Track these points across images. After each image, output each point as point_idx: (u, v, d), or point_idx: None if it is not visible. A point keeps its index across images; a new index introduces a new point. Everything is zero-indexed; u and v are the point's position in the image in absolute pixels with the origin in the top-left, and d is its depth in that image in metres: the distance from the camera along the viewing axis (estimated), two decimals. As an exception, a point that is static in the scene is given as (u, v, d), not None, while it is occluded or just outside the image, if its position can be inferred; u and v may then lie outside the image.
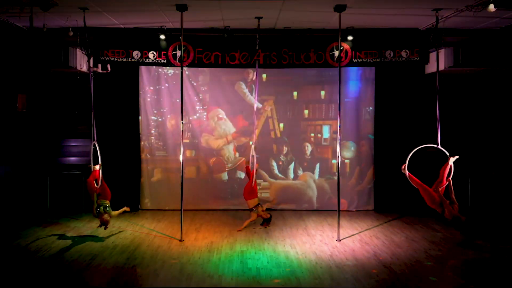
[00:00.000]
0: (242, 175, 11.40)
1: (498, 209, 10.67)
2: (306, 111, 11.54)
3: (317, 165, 11.47)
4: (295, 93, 11.54)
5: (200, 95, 11.42)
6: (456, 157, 8.54)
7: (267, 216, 9.32)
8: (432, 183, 8.59)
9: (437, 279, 6.78)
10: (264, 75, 11.35)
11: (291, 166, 11.48)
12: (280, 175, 11.49)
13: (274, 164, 11.42)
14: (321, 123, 11.50)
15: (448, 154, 8.57)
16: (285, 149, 11.50)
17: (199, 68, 11.06)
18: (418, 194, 9.12)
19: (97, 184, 8.85)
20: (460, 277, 6.91)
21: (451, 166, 8.50)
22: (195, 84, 11.42)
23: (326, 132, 11.52)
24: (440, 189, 8.45)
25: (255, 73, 10.15)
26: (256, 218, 9.35)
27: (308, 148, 11.47)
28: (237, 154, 11.49)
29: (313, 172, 11.46)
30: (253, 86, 11.32)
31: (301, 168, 11.49)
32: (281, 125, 11.52)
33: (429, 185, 8.53)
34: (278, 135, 11.54)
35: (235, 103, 11.46)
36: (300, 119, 11.55)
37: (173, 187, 11.07)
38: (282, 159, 11.41)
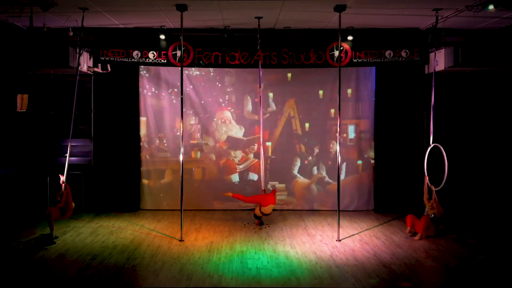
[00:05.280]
0: (254, 176, 11.22)
1: (498, 209, 10.66)
2: (332, 110, 11.30)
3: (344, 165, 11.21)
4: (320, 92, 11.34)
5: (202, 97, 11.35)
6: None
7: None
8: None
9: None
10: (289, 74, 11.25)
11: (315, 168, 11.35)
12: (299, 175, 11.38)
13: (298, 163, 11.29)
14: (347, 123, 11.28)
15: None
16: (305, 148, 11.35)
17: (201, 69, 11.05)
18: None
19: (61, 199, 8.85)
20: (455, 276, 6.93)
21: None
22: (199, 84, 11.33)
23: (351, 132, 11.37)
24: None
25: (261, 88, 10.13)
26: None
27: (334, 147, 11.24)
28: (251, 155, 11.33)
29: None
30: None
31: (325, 168, 11.36)
32: (307, 124, 11.35)
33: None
34: (301, 134, 11.36)
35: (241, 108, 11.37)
36: (326, 119, 11.33)
37: (174, 187, 11.06)
38: (309, 159, 11.34)
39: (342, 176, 11.05)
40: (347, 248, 8.22)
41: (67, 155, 9.06)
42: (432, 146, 9.05)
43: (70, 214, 8.89)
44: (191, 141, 11.29)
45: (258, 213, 9.66)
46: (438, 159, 9.34)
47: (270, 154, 11.33)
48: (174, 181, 11.21)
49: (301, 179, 11.38)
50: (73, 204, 8.91)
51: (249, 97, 11.32)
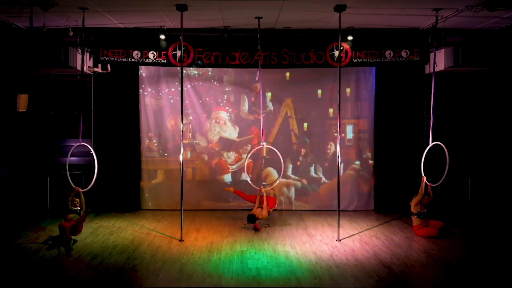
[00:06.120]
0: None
1: (498, 209, 10.67)
2: (331, 110, 11.29)
3: (342, 165, 11.07)
4: (319, 91, 11.33)
5: (201, 97, 11.35)
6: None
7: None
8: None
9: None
10: (287, 74, 11.23)
11: (312, 168, 11.35)
12: (294, 176, 11.33)
13: (290, 165, 11.28)
14: (345, 122, 11.23)
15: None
16: (303, 151, 11.32)
17: (199, 69, 11.04)
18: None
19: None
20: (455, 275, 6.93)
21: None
22: (197, 84, 11.32)
23: (350, 132, 11.35)
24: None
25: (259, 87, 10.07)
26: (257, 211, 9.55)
27: (331, 147, 11.26)
28: (244, 156, 11.29)
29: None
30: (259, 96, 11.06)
31: (321, 169, 11.33)
32: (305, 124, 11.30)
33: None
34: (298, 135, 11.32)
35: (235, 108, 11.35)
36: (325, 119, 11.31)
37: (173, 187, 11.03)
38: (301, 160, 11.32)
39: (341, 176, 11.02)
40: (347, 248, 8.22)
41: (94, 157, 9.09)
42: (431, 145, 9.05)
43: (77, 234, 8.70)
44: (183, 141, 11.23)
45: (266, 214, 9.54)
46: (437, 158, 9.35)
47: (265, 154, 11.30)
48: (166, 180, 11.24)
49: (299, 179, 11.37)
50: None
51: (245, 97, 11.31)
